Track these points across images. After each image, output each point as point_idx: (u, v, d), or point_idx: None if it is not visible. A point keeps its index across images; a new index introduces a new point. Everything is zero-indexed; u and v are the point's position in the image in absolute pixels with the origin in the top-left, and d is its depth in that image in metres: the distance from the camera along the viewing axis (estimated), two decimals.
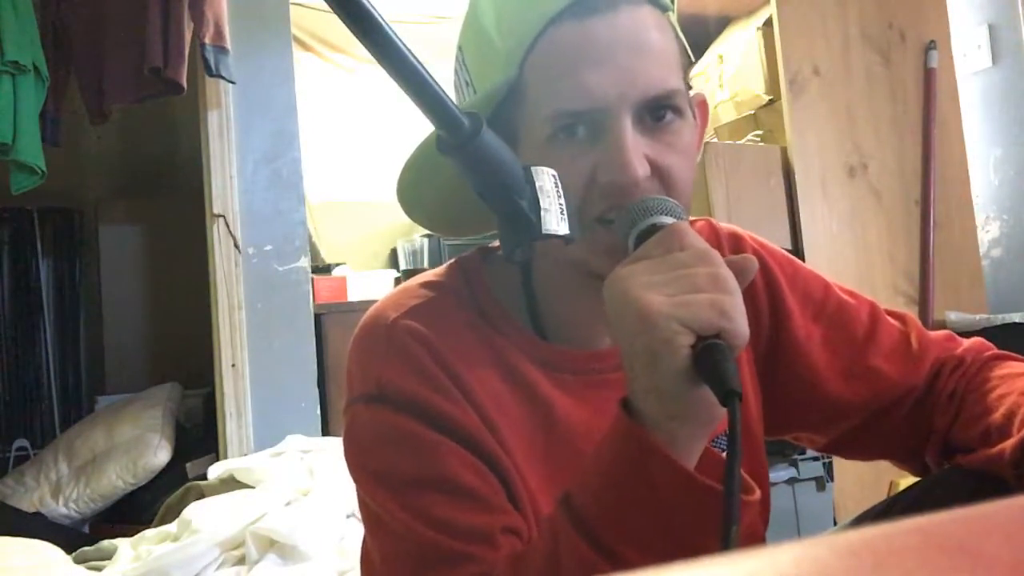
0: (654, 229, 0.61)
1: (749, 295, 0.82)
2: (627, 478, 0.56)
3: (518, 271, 0.76)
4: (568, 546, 0.57)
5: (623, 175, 0.64)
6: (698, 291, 0.54)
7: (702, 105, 0.76)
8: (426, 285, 0.75)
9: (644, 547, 0.55)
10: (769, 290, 0.84)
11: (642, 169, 0.65)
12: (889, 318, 0.87)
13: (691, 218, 0.81)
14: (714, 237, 0.85)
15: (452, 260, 0.78)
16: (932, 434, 0.81)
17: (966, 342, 0.86)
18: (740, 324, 0.54)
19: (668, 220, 0.62)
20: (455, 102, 0.76)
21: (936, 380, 0.83)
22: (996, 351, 0.85)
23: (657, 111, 0.67)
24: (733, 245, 0.85)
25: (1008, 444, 0.68)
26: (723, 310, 0.53)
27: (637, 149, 0.65)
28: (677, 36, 0.71)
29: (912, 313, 2.50)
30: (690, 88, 0.72)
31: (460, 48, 0.76)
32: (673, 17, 0.72)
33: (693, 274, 0.54)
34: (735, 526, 0.48)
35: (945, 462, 0.79)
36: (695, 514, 0.54)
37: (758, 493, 0.57)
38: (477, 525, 0.63)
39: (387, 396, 0.68)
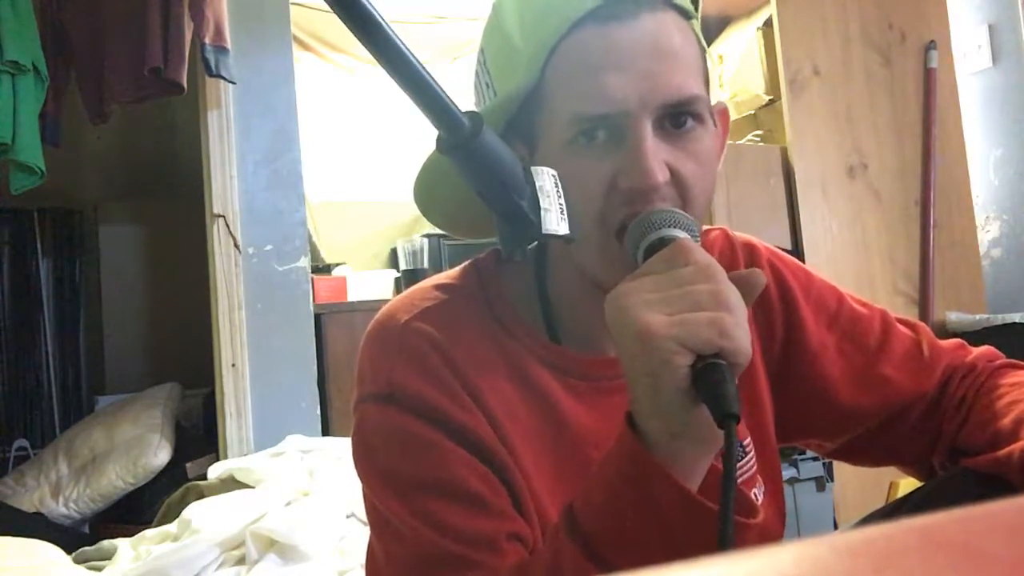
0: (661, 243, 0.60)
1: (764, 305, 0.82)
2: (629, 495, 0.56)
3: (533, 275, 0.76)
4: (569, 559, 0.57)
5: (642, 180, 0.64)
6: (698, 309, 0.53)
7: (723, 114, 0.76)
8: (439, 287, 0.75)
9: (645, 564, 0.55)
10: (783, 300, 0.84)
11: (662, 175, 0.64)
12: (901, 326, 0.87)
13: (707, 227, 0.82)
14: (728, 247, 0.85)
15: (467, 262, 0.78)
16: (940, 439, 0.81)
17: (976, 350, 0.87)
18: (741, 342, 0.53)
19: (676, 233, 0.61)
20: (475, 103, 0.77)
21: (946, 387, 0.83)
22: (1006, 359, 0.85)
23: (678, 117, 0.66)
24: (748, 256, 0.85)
25: (1017, 447, 0.68)
26: (722, 328, 0.52)
27: (657, 155, 0.65)
28: (699, 43, 0.71)
29: (912, 314, 2.50)
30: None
31: (482, 50, 0.76)
32: (696, 25, 0.71)
33: (694, 291, 0.54)
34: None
35: (952, 467, 0.79)
36: (696, 534, 0.54)
37: (761, 516, 0.57)
38: (482, 531, 0.63)
39: (397, 397, 0.68)
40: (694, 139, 0.67)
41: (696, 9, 0.72)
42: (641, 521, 0.55)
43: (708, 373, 0.52)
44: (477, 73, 0.77)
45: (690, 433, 0.54)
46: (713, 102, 0.72)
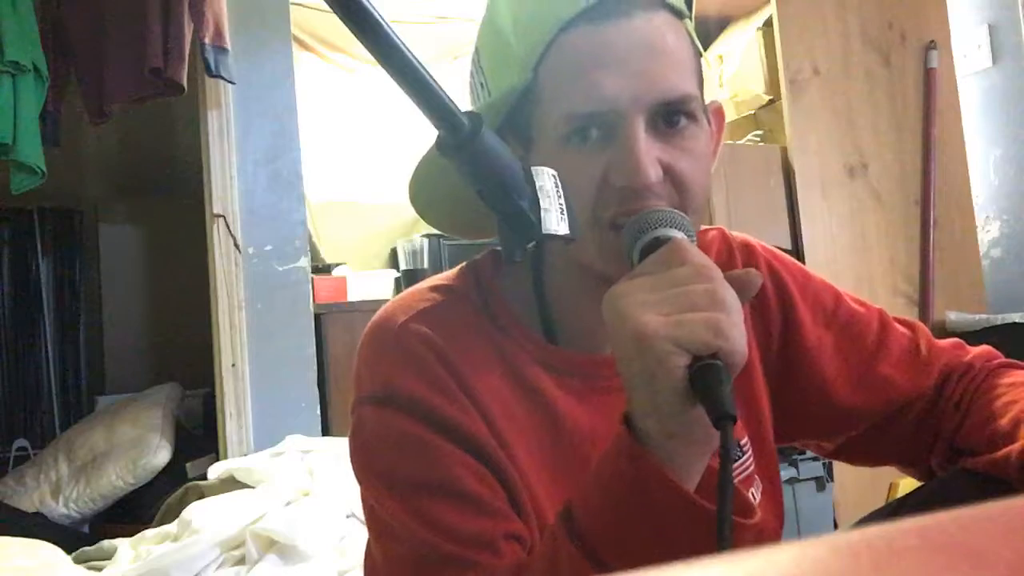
0: (657, 243, 0.60)
1: (760, 305, 0.83)
2: (625, 496, 0.56)
3: (529, 275, 0.76)
4: (567, 559, 0.57)
5: (635, 179, 0.64)
6: (694, 309, 0.53)
7: (718, 113, 0.76)
8: (436, 288, 0.75)
9: (642, 564, 0.55)
10: (780, 299, 0.84)
11: (654, 173, 0.64)
12: (898, 326, 0.87)
13: (704, 227, 0.81)
14: (726, 247, 0.85)
15: (464, 264, 0.78)
16: (938, 439, 0.81)
17: (974, 350, 0.87)
18: (737, 343, 0.53)
19: (672, 233, 0.61)
20: (470, 103, 0.77)
21: (944, 387, 0.83)
22: (1004, 359, 0.85)
23: (671, 116, 0.67)
24: (745, 256, 0.85)
25: (1015, 448, 0.68)
26: (719, 329, 0.52)
27: (650, 153, 0.65)
28: (693, 43, 0.71)
29: (912, 314, 2.50)
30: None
31: (477, 50, 0.76)
32: (689, 25, 0.72)
33: (690, 292, 0.54)
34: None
35: (951, 467, 0.79)
36: (692, 534, 0.54)
37: (758, 516, 0.57)
38: (479, 531, 0.64)
39: (394, 398, 0.68)
40: (688, 137, 0.67)
41: (689, 9, 0.72)
42: (638, 521, 0.55)
43: (704, 374, 0.52)
44: (472, 73, 0.77)
45: (687, 433, 0.54)
46: (707, 101, 0.73)
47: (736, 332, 0.53)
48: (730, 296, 0.54)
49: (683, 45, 0.69)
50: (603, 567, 0.56)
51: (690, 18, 0.72)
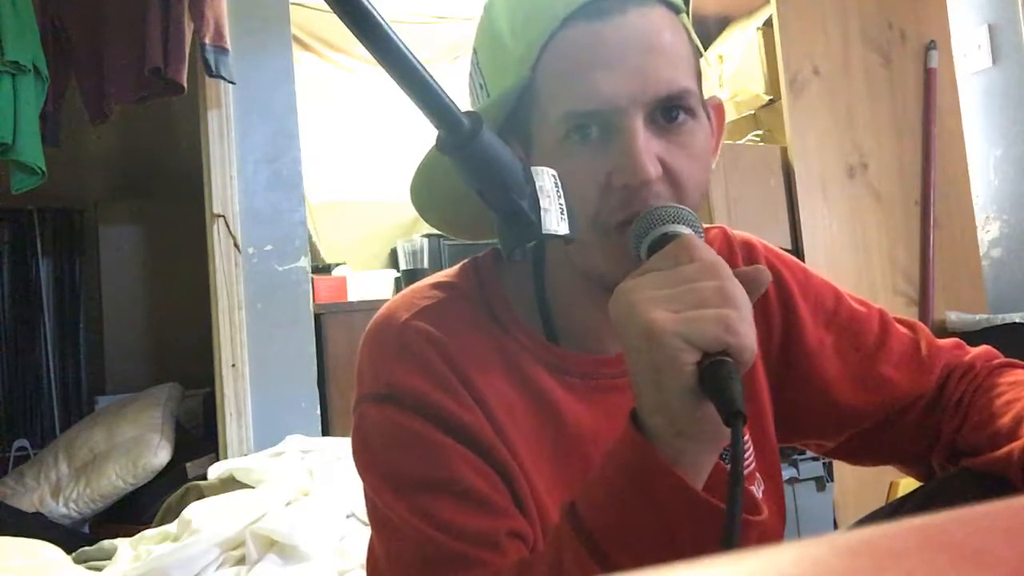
0: (665, 239, 0.60)
1: (761, 304, 0.82)
2: (631, 492, 0.56)
3: (531, 274, 0.76)
4: (571, 556, 0.57)
5: (635, 176, 0.64)
6: (704, 306, 0.53)
7: (718, 108, 0.76)
8: (438, 286, 0.75)
9: (648, 561, 0.55)
10: (781, 298, 0.84)
11: (654, 170, 0.64)
12: (899, 326, 0.87)
13: (706, 225, 0.81)
14: (727, 245, 0.85)
15: (465, 261, 0.78)
16: (939, 439, 0.81)
17: (975, 350, 0.87)
18: (747, 339, 0.52)
19: (680, 229, 0.61)
20: (470, 104, 0.77)
21: (945, 387, 0.83)
22: (1005, 359, 0.85)
23: (670, 111, 0.66)
24: (746, 254, 0.85)
25: (1016, 446, 0.68)
26: (729, 325, 0.52)
27: (649, 150, 0.65)
28: (690, 38, 0.71)
29: (912, 314, 2.50)
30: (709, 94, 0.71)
31: (475, 51, 0.76)
32: (686, 19, 0.71)
33: (700, 288, 0.54)
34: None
35: (951, 466, 0.80)
36: (699, 532, 0.53)
37: (765, 513, 0.57)
38: (482, 529, 0.63)
39: (396, 396, 0.68)
40: (686, 133, 0.67)
41: (686, 3, 0.72)
42: (645, 518, 0.55)
43: (714, 371, 0.51)
44: (471, 74, 0.77)
45: (694, 431, 0.54)
46: (707, 96, 0.73)
47: (746, 329, 0.53)
48: (740, 293, 0.54)
49: (680, 40, 0.69)
50: (608, 564, 0.56)
51: (687, 12, 0.72)
